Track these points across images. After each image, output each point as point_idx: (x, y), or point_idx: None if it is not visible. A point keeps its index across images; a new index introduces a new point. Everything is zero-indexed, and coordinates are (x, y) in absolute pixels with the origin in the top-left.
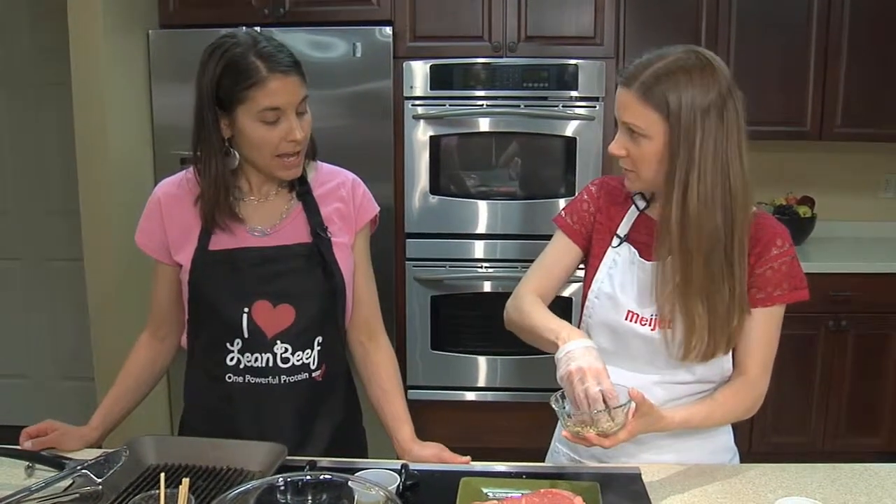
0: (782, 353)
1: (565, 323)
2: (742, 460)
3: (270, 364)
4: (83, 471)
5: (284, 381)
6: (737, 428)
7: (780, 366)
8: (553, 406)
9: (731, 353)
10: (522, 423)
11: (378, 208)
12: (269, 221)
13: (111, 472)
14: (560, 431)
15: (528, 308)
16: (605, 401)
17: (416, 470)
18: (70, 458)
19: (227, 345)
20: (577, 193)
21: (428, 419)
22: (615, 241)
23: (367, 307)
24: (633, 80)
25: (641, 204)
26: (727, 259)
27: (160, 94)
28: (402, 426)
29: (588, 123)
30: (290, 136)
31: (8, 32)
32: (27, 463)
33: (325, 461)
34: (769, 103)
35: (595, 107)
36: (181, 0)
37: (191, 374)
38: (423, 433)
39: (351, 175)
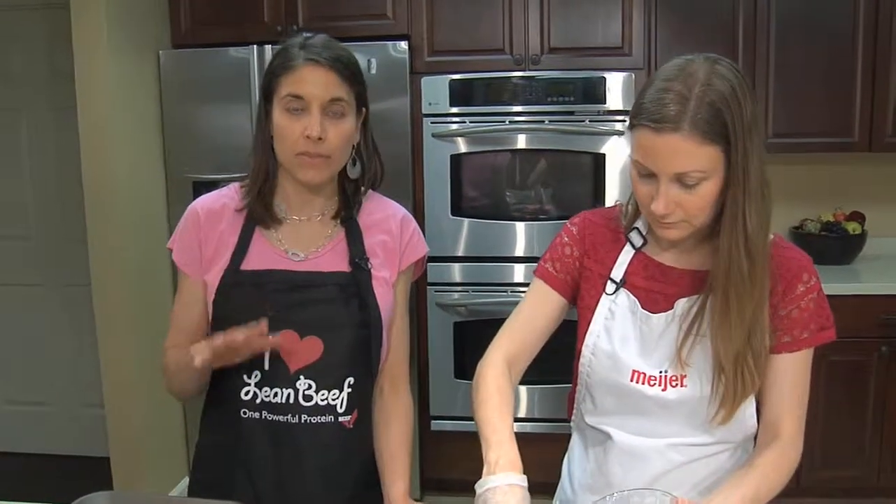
0: (832, 382)
1: (504, 437)
2: (790, 497)
3: (291, 400)
4: None
5: (306, 420)
6: None
7: (830, 395)
8: None
9: (753, 410)
10: (546, 454)
11: (428, 249)
12: (309, 246)
13: None
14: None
15: (482, 396)
16: None
17: None
18: None
19: (245, 377)
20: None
21: (451, 450)
22: (610, 287)
23: (397, 353)
24: (680, 121)
25: (638, 242)
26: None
27: (171, 116)
28: (397, 481)
29: (618, 139)
30: (308, 131)
31: (26, 54)
32: None
33: None
34: (813, 114)
35: (625, 121)
36: (194, 19)
37: (206, 406)
38: (446, 464)
39: (403, 210)
